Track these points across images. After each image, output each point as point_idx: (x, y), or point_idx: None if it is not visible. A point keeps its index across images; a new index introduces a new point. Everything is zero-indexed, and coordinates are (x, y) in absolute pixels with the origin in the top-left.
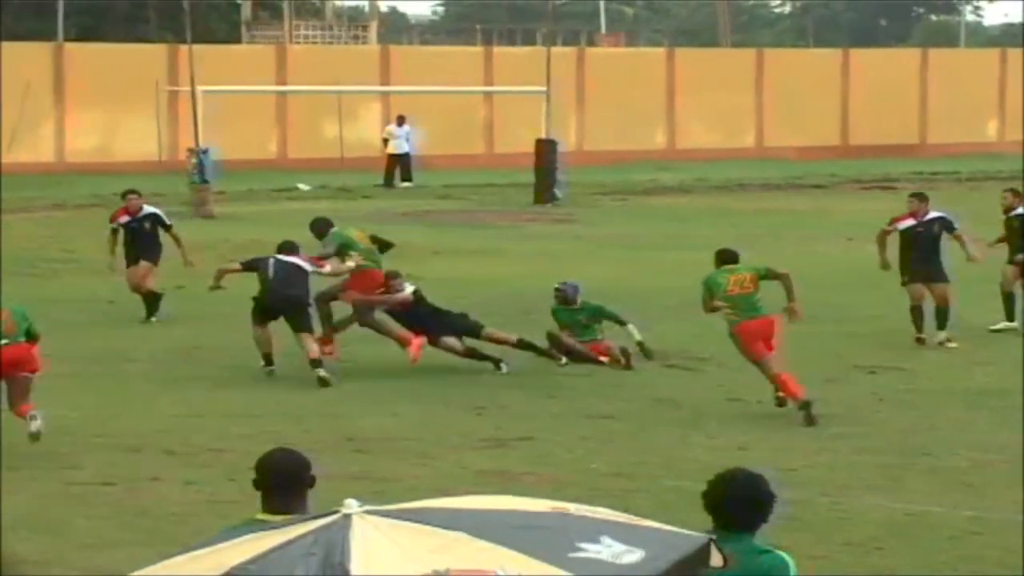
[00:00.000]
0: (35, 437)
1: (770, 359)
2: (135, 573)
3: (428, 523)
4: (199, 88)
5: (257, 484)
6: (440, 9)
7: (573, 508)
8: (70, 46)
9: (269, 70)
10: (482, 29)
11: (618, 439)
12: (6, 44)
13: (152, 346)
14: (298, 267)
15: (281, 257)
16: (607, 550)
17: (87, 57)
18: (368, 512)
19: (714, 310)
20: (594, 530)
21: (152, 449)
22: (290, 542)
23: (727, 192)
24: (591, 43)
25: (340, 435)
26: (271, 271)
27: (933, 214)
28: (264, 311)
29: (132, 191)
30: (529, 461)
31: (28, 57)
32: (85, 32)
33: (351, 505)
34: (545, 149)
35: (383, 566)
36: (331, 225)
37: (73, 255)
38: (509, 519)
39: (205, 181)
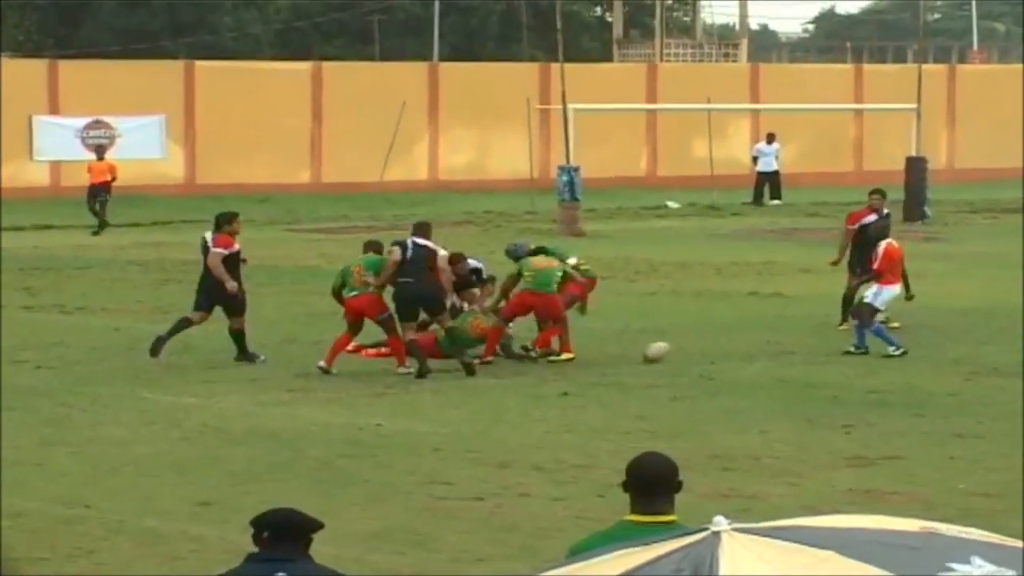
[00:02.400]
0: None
1: None
2: None
3: (797, 541)
4: (570, 106)
5: (626, 487)
6: (811, 27)
7: (943, 528)
8: (445, 65)
9: (639, 88)
10: (852, 47)
11: (987, 459)
12: (386, 64)
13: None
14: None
15: None
16: (978, 570)
17: (460, 76)
18: (737, 529)
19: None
20: (964, 550)
21: (521, 464)
22: (659, 558)
23: None
24: (962, 60)
25: (707, 453)
26: None
27: None
28: None
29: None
30: (897, 480)
31: (405, 76)
32: (459, 51)
33: (720, 522)
34: (915, 167)
35: None
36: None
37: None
38: (878, 538)
39: (575, 199)
